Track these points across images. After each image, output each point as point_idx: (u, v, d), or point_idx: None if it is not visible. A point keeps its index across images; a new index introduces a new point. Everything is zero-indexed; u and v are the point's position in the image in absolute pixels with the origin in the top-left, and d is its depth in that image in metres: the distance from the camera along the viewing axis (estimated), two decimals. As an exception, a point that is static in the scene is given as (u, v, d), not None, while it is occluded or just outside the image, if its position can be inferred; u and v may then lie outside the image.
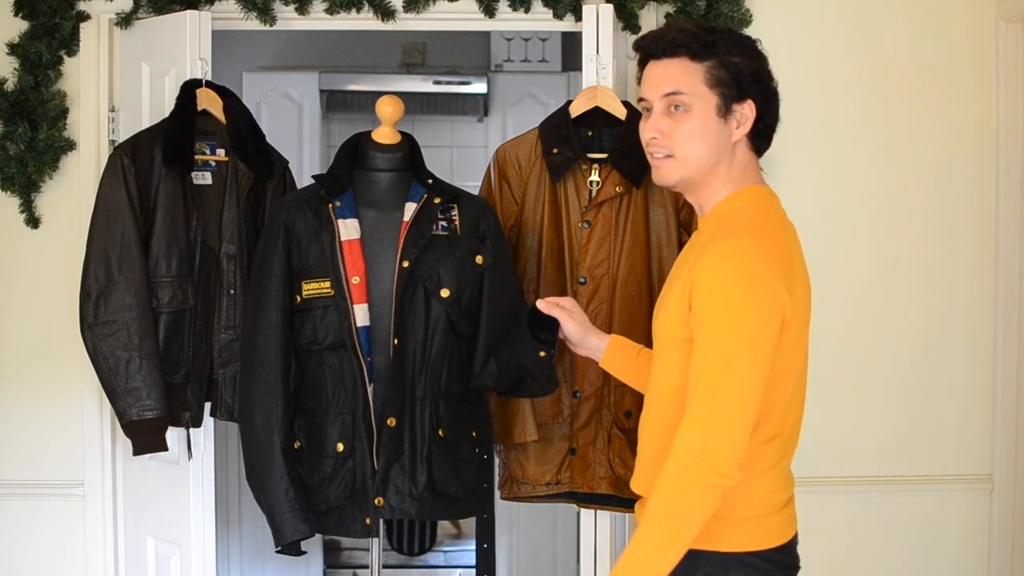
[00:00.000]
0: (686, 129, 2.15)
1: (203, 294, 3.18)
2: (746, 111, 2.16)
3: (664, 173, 2.20)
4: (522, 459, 3.12)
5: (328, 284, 2.73)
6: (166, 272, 3.13)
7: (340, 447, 2.74)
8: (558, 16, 3.41)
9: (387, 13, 3.41)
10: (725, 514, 2.09)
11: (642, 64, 2.24)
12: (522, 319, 2.68)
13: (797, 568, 2.23)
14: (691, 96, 2.14)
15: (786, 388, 2.13)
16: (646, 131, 2.20)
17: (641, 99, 2.23)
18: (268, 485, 2.73)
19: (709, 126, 2.15)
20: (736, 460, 2.02)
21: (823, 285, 3.45)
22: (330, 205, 2.78)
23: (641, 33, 3.32)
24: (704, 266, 2.08)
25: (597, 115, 3.14)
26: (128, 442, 3.14)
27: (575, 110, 3.16)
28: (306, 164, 4.85)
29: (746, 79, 2.15)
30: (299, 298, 2.75)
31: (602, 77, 3.19)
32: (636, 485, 2.28)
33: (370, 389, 2.73)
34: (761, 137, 2.21)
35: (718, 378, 2.03)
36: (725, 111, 2.15)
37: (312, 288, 2.74)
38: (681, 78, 2.15)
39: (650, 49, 2.20)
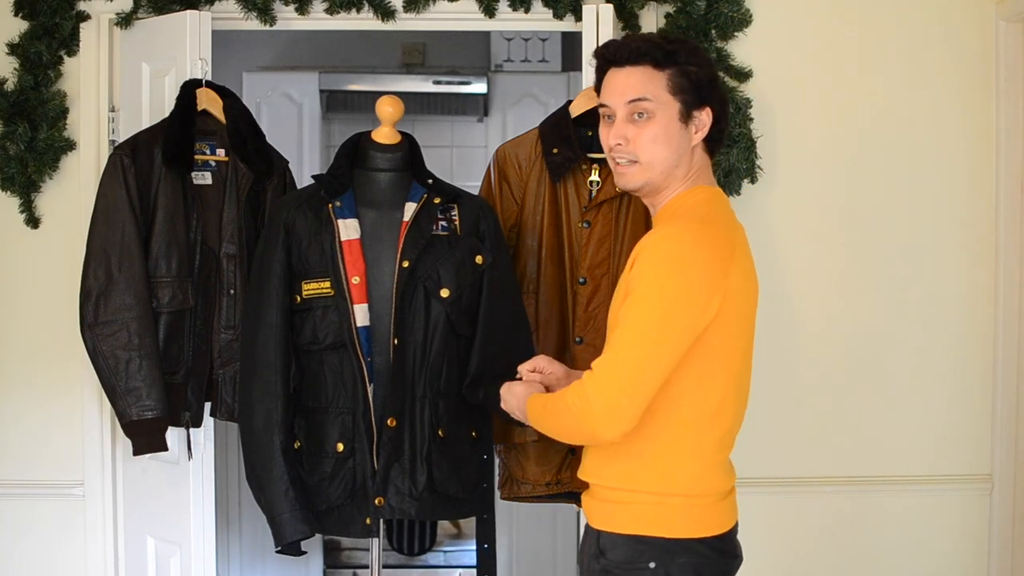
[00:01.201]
0: (650, 134, 2.24)
1: (203, 294, 3.18)
2: (704, 117, 2.26)
3: (629, 178, 2.29)
4: (522, 459, 3.12)
5: (328, 284, 2.73)
6: (166, 272, 3.13)
7: (340, 447, 2.74)
8: (558, 16, 3.41)
9: (387, 13, 3.41)
10: (670, 500, 2.20)
11: (601, 71, 2.33)
12: (519, 329, 2.78)
13: (737, 557, 2.30)
14: (655, 103, 2.23)
15: (727, 379, 2.21)
16: (611, 137, 2.29)
17: (603, 105, 2.32)
18: (268, 485, 2.73)
19: (672, 131, 2.24)
20: (614, 428, 2.12)
21: (822, 285, 3.49)
22: (330, 205, 2.78)
23: (642, 33, 3.35)
24: (643, 245, 2.18)
25: (597, 115, 3.13)
26: (128, 442, 3.14)
27: (575, 110, 3.16)
28: (306, 164, 4.84)
29: (705, 87, 2.25)
30: (299, 298, 2.75)
31: (602, 77, 3.19)
32: (584, 473, 2.33)
33: (370, 389, 2.73)
34: (716, 141, 2.31)
35: (623, 347, 2.13)
36: (686, 117, 2.25)
37: (312, 288, 2.75)
38: (646, 85, 2.24)
39: (614, 57, 2.29)
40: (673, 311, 2.11)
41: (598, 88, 2.36)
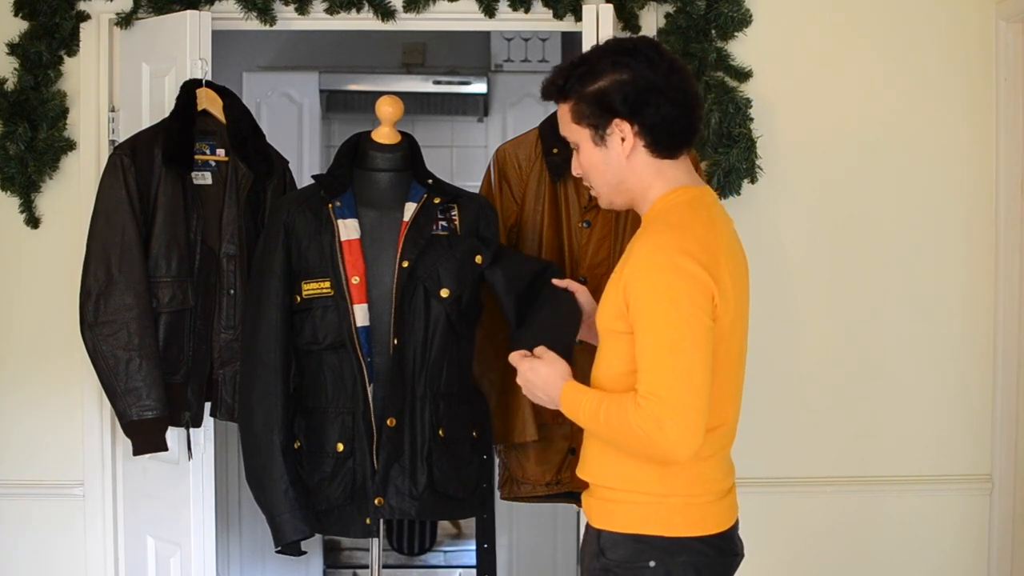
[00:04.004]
0: (584, 166, 2.30)
1: (203, 294, 3.18)
2: (619, 129, 2.23)
3: (600, 202, 2.35)
4: (522, 459, 3.12)
5: (328, 284, 2.73)
6: (166, 272, 3.13)
7: (340, 447, 2.74)
8: (558, 16, 3.41)
9: (387, 13, 3.41)
10: (669, 500, 2.19)
11: None
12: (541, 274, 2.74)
13: (737, 555, 2.29)
14: (574, 136, 2.29)
15: (726, 378, 2.20)
16: (573, 169, 2.35)
17: None
18: (268, 485, 2.73)
19: (594, 158, 2.27)
20: (689, 441, 2.08)
21: (822, 285, 3.49)
22: (330, 205, 2.78)
23: (640, 34, 3.35)
24: (633, 264, 2.17)
25: (597, 115, 3.13)
26: (128, 442, 3.14)
27: (575, 110, 3.15)
28: (306, 164, 4.85)
29: (607, 101, 2.22)
30: (299, 298, 2.75)
31: (602, 77, 3.18)
32: (583, 471, 2.32)
33: (370, 389, 2.73)
34: (659, 142, 2.24)
35: (664, 364, 2.09)
36: (600, 139, 2.24)
37: (312, 288, 2.75)
38: (563, 121, 2.30)
39: (543, 94, 2.34)
40: (690, 315, 2.10)
41: None
